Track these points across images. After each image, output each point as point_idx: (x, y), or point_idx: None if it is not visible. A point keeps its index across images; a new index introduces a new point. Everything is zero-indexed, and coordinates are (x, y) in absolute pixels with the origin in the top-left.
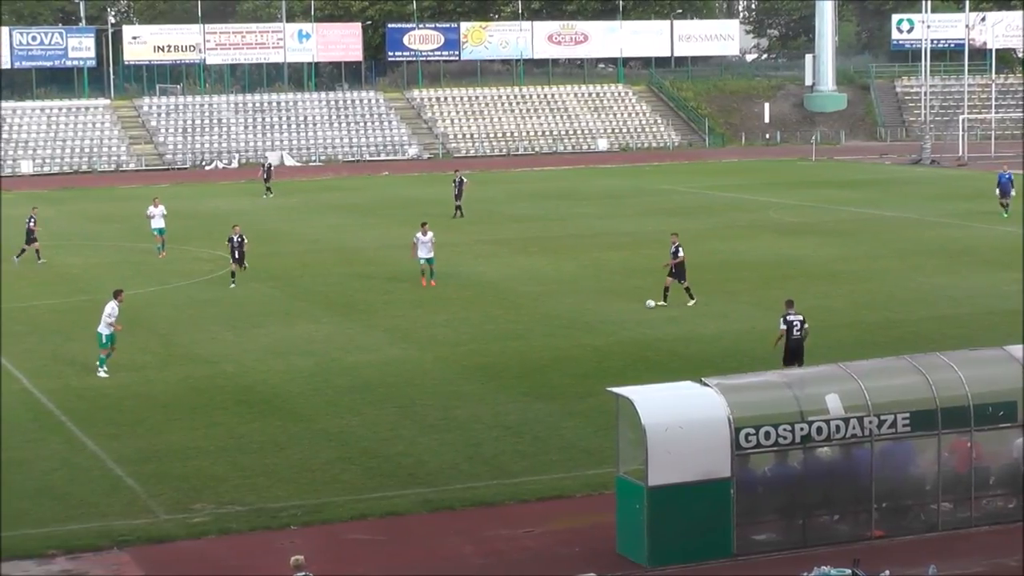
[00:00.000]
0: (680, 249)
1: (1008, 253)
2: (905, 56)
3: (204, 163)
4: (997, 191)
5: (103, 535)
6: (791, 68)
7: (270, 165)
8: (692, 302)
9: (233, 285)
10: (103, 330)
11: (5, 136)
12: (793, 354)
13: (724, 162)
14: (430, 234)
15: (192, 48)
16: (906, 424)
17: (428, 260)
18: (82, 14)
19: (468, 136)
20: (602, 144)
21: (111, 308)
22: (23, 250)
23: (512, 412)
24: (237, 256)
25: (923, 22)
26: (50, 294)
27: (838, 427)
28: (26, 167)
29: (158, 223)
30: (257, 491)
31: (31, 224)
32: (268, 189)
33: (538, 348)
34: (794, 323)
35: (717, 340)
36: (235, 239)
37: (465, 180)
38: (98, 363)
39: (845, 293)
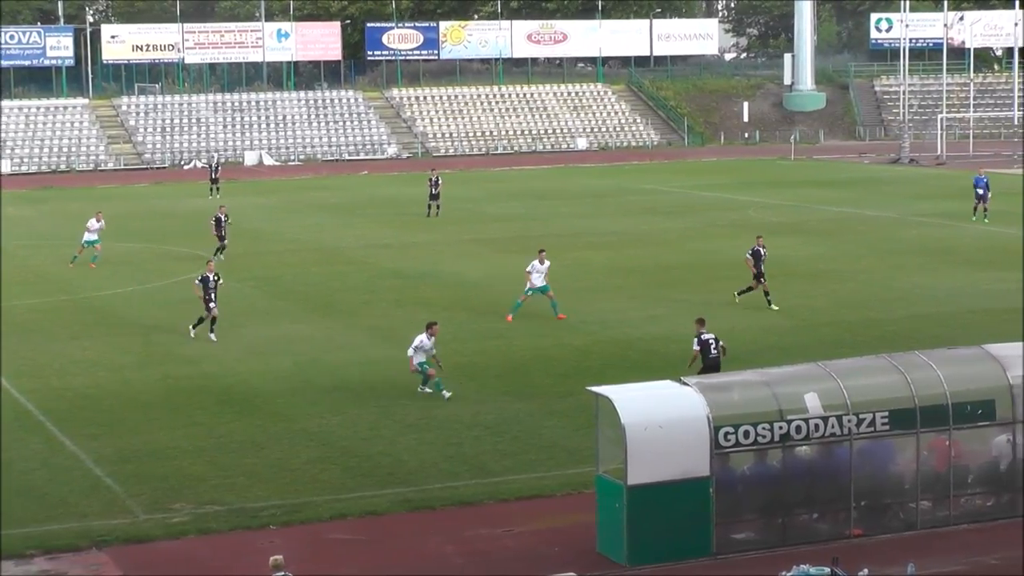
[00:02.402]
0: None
1: (988, 252)
2: (884, 55)
3: (183, 162)
4: (979, 191)
5: (82, 535)
6: (770, 67)
7: (217, 164)
8: (738, 298)
9: (221, 258)
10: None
11: None
12: (712, 373)
13: (703, 161)
14: (547, 263)
15: (171, 47)
16: (885, 423)
17: (542, 289)
18: (60, 13)
19: (447, 135)
20: (582, 143)
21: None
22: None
23: (492, 411)
24: (224, 234)
25: (902, 21)
26: (30, 294)
27: (817, 426)
28: (4, 166)
29: (92, 236)
30: (237, 491)
31: (219, 222)
32: (216, 188)
33: (518, 348)
34: (709, 341)
35: None
36: (221, 218)
37: (441, 179)
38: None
39: (825, 292)
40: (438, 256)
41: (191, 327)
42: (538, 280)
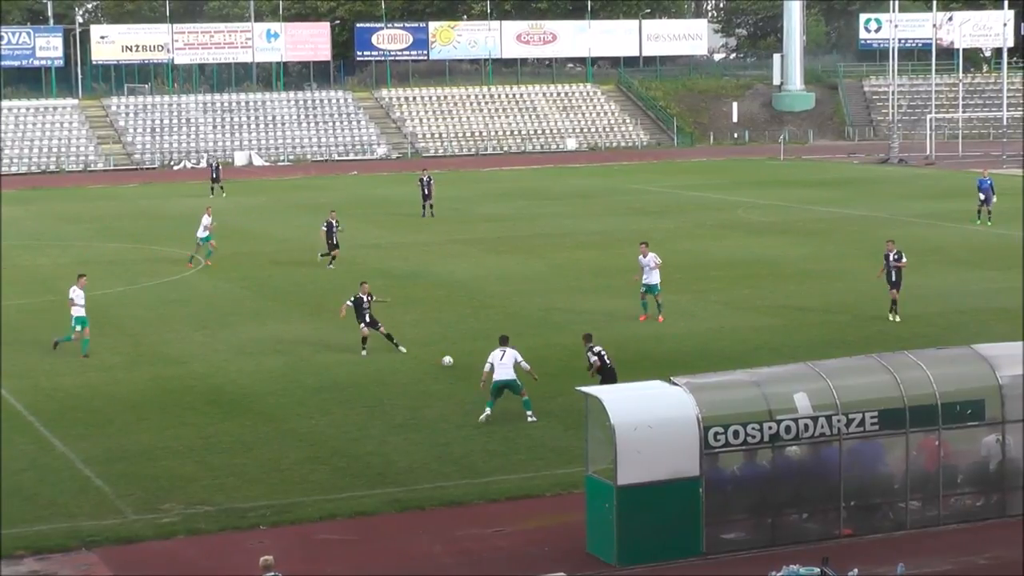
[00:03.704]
0: (903, 255)
1: (977, 252)
2: (873, 55)
3: (172, 163)
4: (981, 195)
5: (72, 535)
6: (759, 67)
7: (218, 164)
8: (896, 318)
9: (331, 267)
10: None
11: None
12: (610, 383)
13: (693, 161)
14: (651, 255)
15: (160, 48)
16: (874, 423)
17: (650, 288)
18: (50, 13)
19: (437, 136)
20: (571, 143)
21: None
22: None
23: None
24: (335, 241)
25: (891, 22)
26: (19, 294)
27: (807, 426)
28: None
29: (204, 233)
30: (226, 491)
31: (330, 228)
32: (220, 188)
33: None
34: (602, 353)
35: (686, 339)
36: (333, 223)
37: (432, 180)
38: None
39: (814, 292)
40: (427, 256)
41: (363, 352)
42: (649, 276)
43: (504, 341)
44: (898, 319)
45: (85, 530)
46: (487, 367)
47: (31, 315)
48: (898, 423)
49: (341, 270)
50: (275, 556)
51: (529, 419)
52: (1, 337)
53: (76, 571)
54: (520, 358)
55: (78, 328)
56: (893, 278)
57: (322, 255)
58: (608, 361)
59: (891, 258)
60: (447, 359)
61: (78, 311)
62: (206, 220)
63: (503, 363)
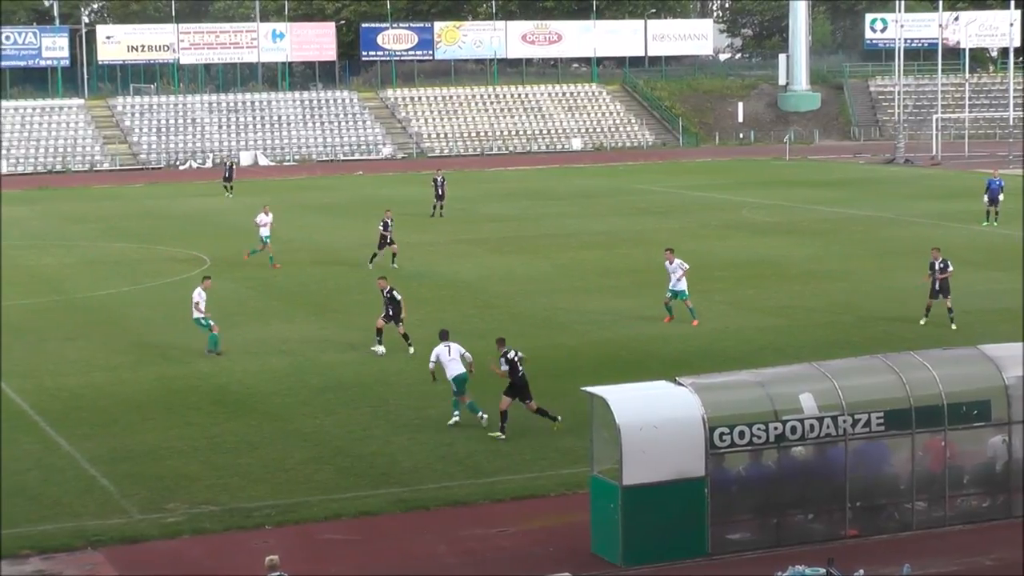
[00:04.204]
0: (949, 263)
1: (982, 252)
2: (879, 55)
3: (178, 163)
4: (985, 197)
5: (77, 535)
6: (765, 68)
7: (232, 164)
8: (953, 325)
9: (396, 266)
10: None
11: None
12: (519, 391)
13: (698, 161)
14: (677, 261)
15: (166, 48)
16: (880, 423)
17: (677, 294)
18: (56, 13)
19: (442, 135)
20: (576, 144)
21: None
22: (377, 254)
23: (486, 411)
24: (390, 239)
25: (897, 21)
26: (24, 294)
27: (812, 426)
28: (1, 167)
29: (266, 232)
30: (231, 491)
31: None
32: (230, 187)
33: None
34: (515, 360)
35: (691, 339)
36: (388, 222)
37: (446, 180)
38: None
39: (819, 292)
40: (432, 256)
41: (378, 346)
42: (673, 282)
43: (445, 336)
44: (954, 327)
45: (90, 529)
46: (432, 363)
47: (36, 315)
48: (904, 424)
49: (346, 270)
50: (280, 556)
51: (482, 422)
52: (1, 336)
53: (81, 570)
54: (464, 350)
55: (212, 324)
56: (937, 287)
57: (373, 256)
58: (520, 369)
59: (937, 267)
60: (380, 349)
61: (198, 314)
62: (263, 217)
63: (452, 358)
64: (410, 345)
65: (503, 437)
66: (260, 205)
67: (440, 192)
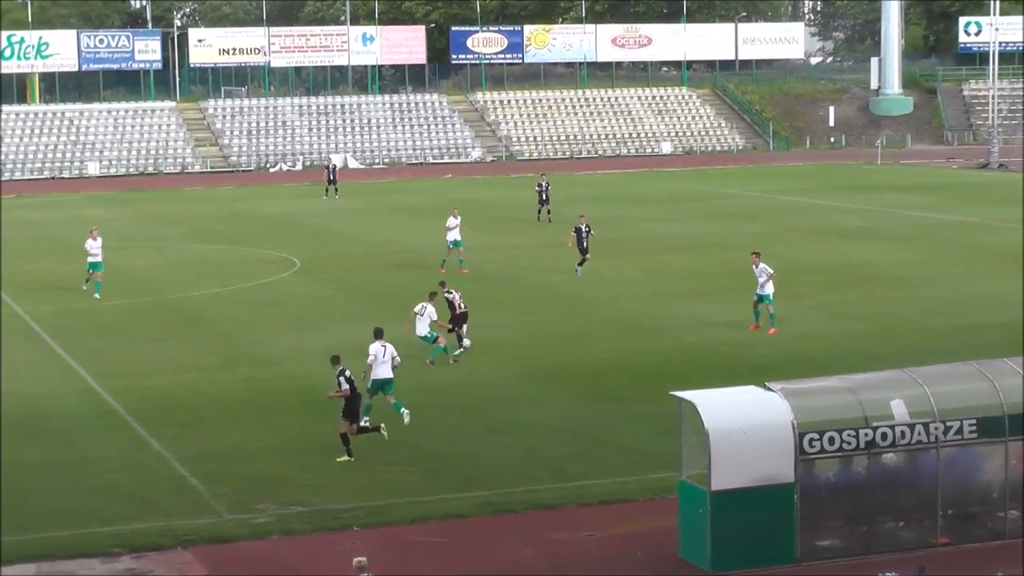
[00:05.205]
0: None
1: None
2: (972, 59)
3: (268, 165)
4: None
5: (167, 534)
6: (856, 71)
7: (335, 166)
8: None
9: (578, 273)
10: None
11: (74, 138)
12: (355, 411)
13: (788, 166)
14: (762, 265)
15: (257, 51)
16: (972, 430)
17: (762, 298)
18: (148, 17)
19: (531, 139)
20: (666, 147)
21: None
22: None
23: (573, 415)
24: (584, 245)
25: (991, 24)
26: (115, 295)
27: (903, 433)
28: (93, 168)
29: (454, 236)
30: (319, 492)
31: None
32: (335, 190)
33: (599, 351)
34: (352, 379)
35: (779, 344)
36: (583, 228)
37: (550, 185)
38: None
39: (910, 298)
40: (518, 259)
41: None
42: (759, 286)
43: (379, 334)
44: None
45: (180, 529)
46: (370, 359)
47: (127, 315)
48: (997, 431)
49: (432, 273)
50: (368, 557)
51: (405, 419)
52: (1, 335)
53: (171, 570)
54: (395, 353)
55: (437, 336)
56: None
57: (579, 264)
58: (355, 387)
59: None
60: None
61: (423, 330)
62: (453, 221)
63: (384, 360)
64: (462, 340)
65: (352, 459)
66: (350, 208)
67: (545, 197)
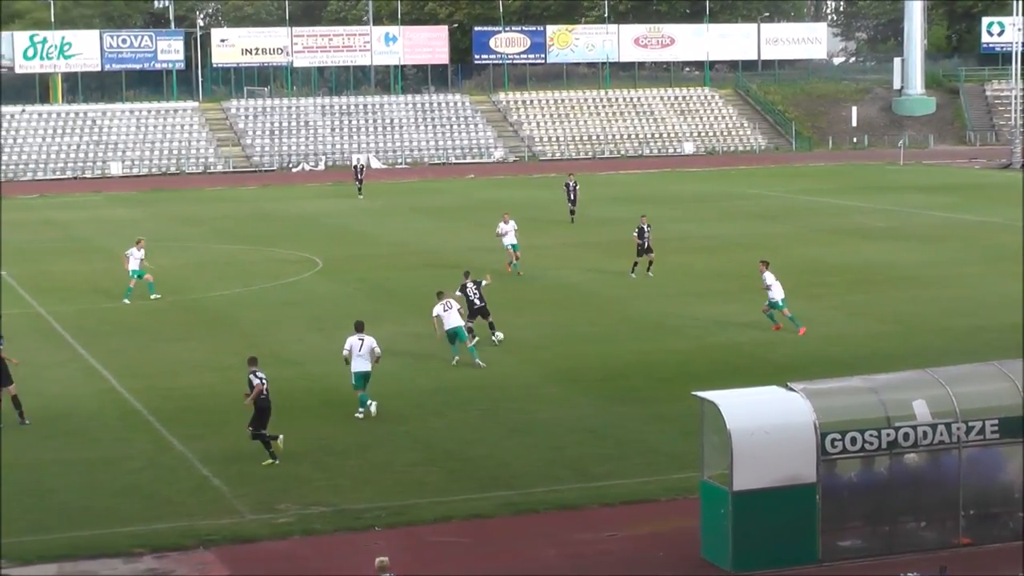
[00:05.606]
0: None
1: None
2: (995, 59)
3: (291, 165)
4: None
5: (188, 534)
6: (879, 71)
7: (362, 166)
8: None
9: (634, 276)
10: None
11: (96, 138)
12: (264, 413)
13: (811, 166)
14: (767, 273)
15: (279, 51)
16: (994, 431)
17: (773, 304)
18: (171, 17)
19: (554, 139)
20: (688, 147)
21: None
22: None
23: (595, 415)
24: (647, 247)
25: (1014, 24)
26: (137, 295)
27: (925, 433)
28: (115, 169)
29: (510, 239)
30: (341, 492)
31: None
32: (359, 189)
33: (621, 351)
34: (263, 380)
35: (800, 345)
36: (644, 228)
37: (578, 184)
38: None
39: (931, 298)
40: (541, 260)
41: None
42: (768, 293)
43: (360, 327)
44: None
45: (202, 529)
46: (346, 352)
47: (149, 315)
48: (1018, 431)
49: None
50: (390, 557)
51: (371, 410)
52: (1, 333)
53: (193, 570)
54: (375, 345)
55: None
56: None
57: (635, 266)
58: (265, 392)
59: None
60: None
61: (455, 321)
62: (505, 227)
63: (362, 354)
64: (494, 332)
65: (278, 462)
66: (372, 208)
67: (572, 197)
